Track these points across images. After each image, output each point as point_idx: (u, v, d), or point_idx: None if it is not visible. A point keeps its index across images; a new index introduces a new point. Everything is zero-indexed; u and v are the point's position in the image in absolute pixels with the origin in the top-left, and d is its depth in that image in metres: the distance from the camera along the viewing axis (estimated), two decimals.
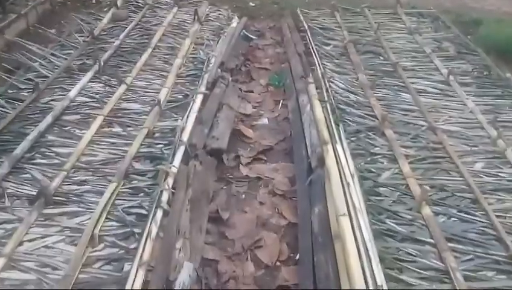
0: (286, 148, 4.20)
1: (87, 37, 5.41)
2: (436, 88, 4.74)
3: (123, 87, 4.49)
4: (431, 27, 6.11)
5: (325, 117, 4.06)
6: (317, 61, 5.10)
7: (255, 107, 4.82)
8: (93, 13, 6.14)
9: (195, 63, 5.07)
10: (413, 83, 4.79)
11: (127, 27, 5.66)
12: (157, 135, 3.92)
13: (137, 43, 5.38)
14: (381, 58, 5.30)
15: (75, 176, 3.42)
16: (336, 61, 5.20)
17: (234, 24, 6.14)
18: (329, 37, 5.76)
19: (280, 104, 4.84)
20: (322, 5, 7.67)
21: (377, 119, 4.16)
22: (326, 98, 4.36)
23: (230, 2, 7.75)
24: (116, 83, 4.58)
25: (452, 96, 4.60)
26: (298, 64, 5.17)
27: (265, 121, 4.60)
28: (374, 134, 3.99)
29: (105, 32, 5.62)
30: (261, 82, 5.23)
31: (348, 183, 3.29)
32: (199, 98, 4.38)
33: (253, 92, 5.07)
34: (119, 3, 6.32)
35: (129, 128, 3.97)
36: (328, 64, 5.10)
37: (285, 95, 4.93)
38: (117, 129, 3.97)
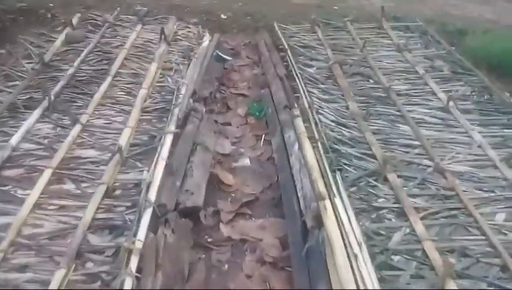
0: (273, 198, 3.51)
1: (37, 63, 4.62)
2: (436, 117, 4.14)
3: (77, 128, 3.72)
4: (420, 43, 5.53)
5: (317, 161, 3.41)
6: (301, 87, 4.44)
7: (234, 144, 4.12)
8: (45, 34, 5.32)
9: (163, 93, 4.33)
10: (410, 111, 4.18)
11: (83, 50, 4.88)
12: (118, 192, 3.18)
13: (95, 70, 4.60)
14: (371, 81, 4.68)
15: (14, 258, 2.66)
16: (322, 86, 4.55)
17: (206, 43, 5.42)
18: (311, 57, 5.10)
19: (262, 140, 4.16)
20: (299, 17, 7.06)
21: (376, 160, 3.54)
22: (316, 136, 3.70)
23: (200, 15, 7.05)
24: (69, 122, 3.82)
25: (455, 127, 4.00)
26: (280, 91, 4.51)
27: (246, 161, 3.91)
28: (375, 180, 3.35)
29: (58, 58, 4.81)
30: (239, 112, 4.54)
31: (356, 256, 2.64)
32: (168, 139, 3.66)
33: (230, 124, 4.37)
34: (75, 21, 5.52)
35: (84, 185, 3.22)
36: (313, 90, 4.44)
37: (267, 129, 4.26)
38: (69, 186, 3.21)
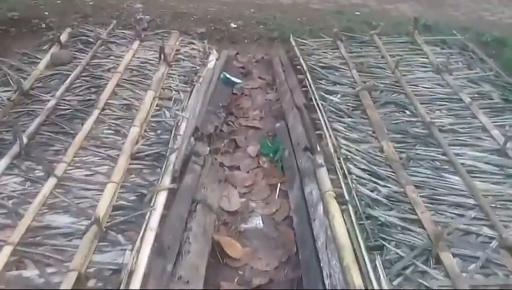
0: (292, 281, 2.72)
1: (14, 92, 3.86)
2: (491, 163, 3.28)
3: (51, 182, 2.96)
4: (461, 61, 4.65)
5: (349, 234, 2.60)
6: (324, 121, 3.62)
7: (243, 195, 3.33)
8: (29, 54, 4.55)
9: (159, 131, 3.53)
10: (458, 154, 3.35)
11: (70, 74, 4.10)
12: (91, 282, 2.42)
13: (81, 101, 3.80)
14: (408, 112, 3.84)
15: None
16: (349, 120, 3.71)
17: (212, 62, 4.61)
18: (335, 80, 4.25)
19: (278, 190, 3.36)
20: (317, 24, 6.21)
21: (423, 228, 2.73)
22: (346, 195, 2.89)
23: (208, 24, 6.24)
24: (42, 174, 3.06)
25: None
26: (298, 125, 3.68)
27: (258, 222, 3.11)
28: (425, 261, 2.53)
29: (39, 84, 4.05)
30: (250, 151, 3.73)
31: None
32: (161, 200, 2.88)
33: (239, 168, 3.57)
34: (64, 38, 4.74)
35: (50, 270, 2.46)
36: (339, 126, 3.61)
37: (283, 176, 3.45)
38: (31, 272, 2.45)
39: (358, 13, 6.85)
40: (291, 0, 7.32)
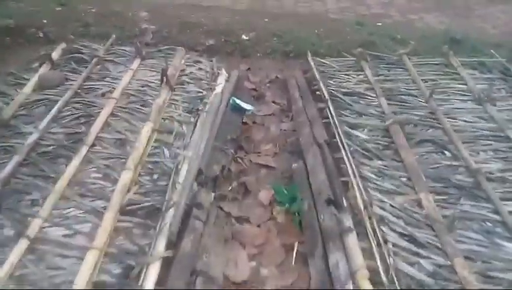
0: None
1: None
2: None
3: (21, 245, 2.39)
4: (504, 88, 3.99)
5: None
6: (351, 166, 2.99)
7: (253, 257, 2.72)
8: (14, 74, 3.97)
9: (156, 175, 2.93)
10: None
11: (58, 100, 3.52)
12: None
13: (68, 135, 3.21)
14: (447, 153, 3.21)
15: None
16: (379, 163, 3.09)
17: (220, 85, 4.00)
18: (360, 110, 3.62)
19: (294, 254, 2.74)
20: (336, 36, 5.57)
21: None
22: (382, 276, 2.28)
23: (219, 35, 5.62)
24: (12, 232, 2.49)
25: None
26: (319, 168, 3.03)
27: None
28: None
29: (22, 112, 3.47)
30: (262, 198, 3.09)
31: None
32: (152, 273, 2.30)
33: (249, 220, 2.96)
34: (55, 55, 4.16)
35: None
36: (368, 172, 2.99)
37: (301, 235, 2.83)
38: None
39: (380, 24, 6.20)
40: (308, 9, 6.69)
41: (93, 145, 3.12)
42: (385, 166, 3.06)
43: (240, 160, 3.43)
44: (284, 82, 4.48)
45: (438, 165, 3.08)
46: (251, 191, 3.16)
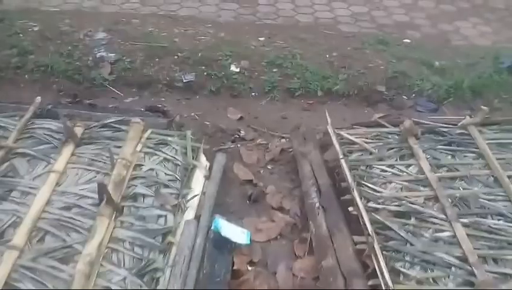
0: None
1: None
2: None
3: None
4: None
5: None
6: None
7: None
8: None
9: None
10: None
11: None
12: None
13: None
14: None
15: None
16: None
17: (197, 196, 2.42)
18: (423, 256, 2.11)
19: None
20: (358, 68, 3.97)
21: None
22: None
23: (199, 66, 4.01)
24: None
25: None
26: None
27: None
28: None
29: None
30: None
31: None
32: None
33: None
34: None
35: None
36: None
37: None
38: None
39: (408, 42, 4.58)
40: (312, 18, 5.02)
41: None
42: None
43: None
44: (293, 160, 2.92)
45: None
46: None
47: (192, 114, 3.69)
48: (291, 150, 3.01)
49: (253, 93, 3.91)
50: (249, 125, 3.58)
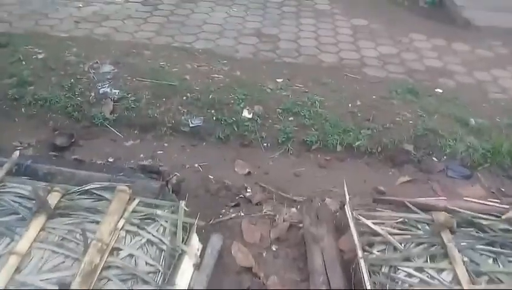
0: None
1: None
2: None
3: None
4: None
5: None
6: None
7: None
8: None
9: None
10: None
11: None
12: None
13: None
14: None
15: None
16: None
17: (184, 284, 1.98)
18: None
19: None
20: (383, 122, 3.49)
21: None
22: None
23: (209, 108, 3.61)
24: None
25: None
26: None
27: None
28: None
29: None
30: None
31: None
32: None
33: None
34: None
35: None
36: None
37: None
38: None
39: (440, 91, 4.08)
40: (337, 58, 4.57)
41: None
42: None
43: None
44: (302, 241, 2.46)
45: None
46: None
47: (196, 165, 3.28)
48: (301, 225, 2.54)
49: (265, 144, 3.48)
50: (256, 182, 3.15)
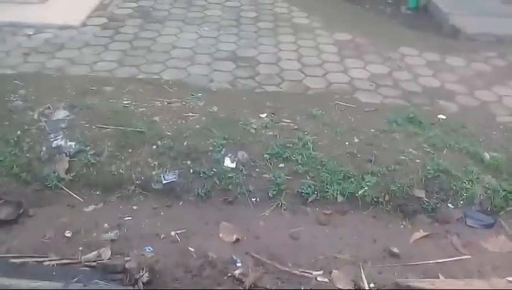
0: None
1: None
2: None
3: None
4: None
5: None
6: None
7: None
8: None
9: None
10: None
11: None
12: None
13: None
14: None
15: None
16: None
17: None
18: None
19: None
20: (389, 171, 2.91)
21: None
22: None
23: (183, 158, 2.98)
24: None
25: None
26: None
27: None
28: None
29: None
30: None
31: None
32: None
33: None
34: None
35: None
36: None
37: None
38: None
39: (443, 117, 3.57)
40: (324, 83, 4.00)
41: None
42: None
43: None
44: None
45: None
46: None
47: (173, 233, 2.67)
48: None
49: (253, 199, 2.90)
50: (247, 252, 2.56)
